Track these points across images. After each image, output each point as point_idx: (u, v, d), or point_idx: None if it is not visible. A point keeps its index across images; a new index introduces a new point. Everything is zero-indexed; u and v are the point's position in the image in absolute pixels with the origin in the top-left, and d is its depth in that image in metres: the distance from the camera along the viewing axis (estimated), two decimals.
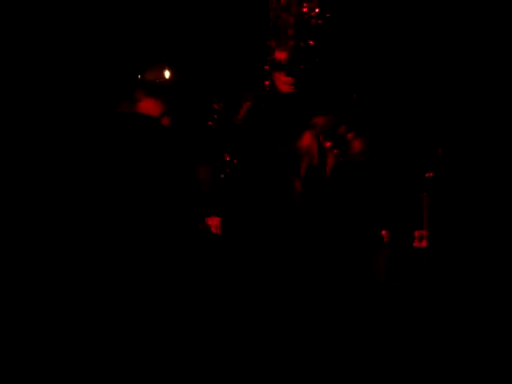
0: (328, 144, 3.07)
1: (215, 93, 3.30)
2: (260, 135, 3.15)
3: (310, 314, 3.19)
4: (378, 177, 3.19)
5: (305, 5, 3.15)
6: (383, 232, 3.30)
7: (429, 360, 3.24)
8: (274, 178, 3.16)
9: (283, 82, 3.16)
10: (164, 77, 4.60)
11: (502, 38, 3.67)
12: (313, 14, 3.13)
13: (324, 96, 3.18)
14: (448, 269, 3.40)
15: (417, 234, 3.36)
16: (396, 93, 3.57)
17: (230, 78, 3.27)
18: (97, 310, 3.48)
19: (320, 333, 3.17)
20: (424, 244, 3.35)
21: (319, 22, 3.18)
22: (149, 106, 3.52)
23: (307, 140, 3.10)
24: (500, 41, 3.69)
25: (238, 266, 3.28)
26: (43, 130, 4.09)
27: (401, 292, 3.33)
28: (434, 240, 3.34)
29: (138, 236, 3.58)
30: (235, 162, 3.23)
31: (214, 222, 3.49)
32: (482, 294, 3.46)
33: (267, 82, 3.15)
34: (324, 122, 3.10)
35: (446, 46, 3.70)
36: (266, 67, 3.12)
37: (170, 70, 4.56)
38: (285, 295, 3.19)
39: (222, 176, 3.30)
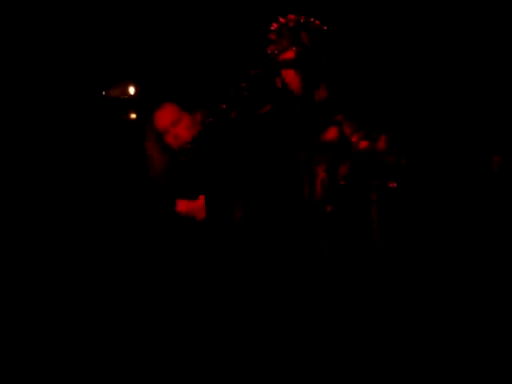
0: (354, 138, 3.11)
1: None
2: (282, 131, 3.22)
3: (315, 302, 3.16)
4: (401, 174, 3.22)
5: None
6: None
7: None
8: (295, 172, 3.19)
9: (292, 79, 3.24)
10: (128, 93, 4.60)
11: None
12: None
13: (339, 93, 3.26)
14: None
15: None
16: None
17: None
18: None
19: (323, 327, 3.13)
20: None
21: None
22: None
23: (332, 134, 3.16)
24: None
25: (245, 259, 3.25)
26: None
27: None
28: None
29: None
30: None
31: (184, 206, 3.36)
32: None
33: (278, 80, 3.23)
34: (350, 122, 3.15)
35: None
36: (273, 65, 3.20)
37: (134, 86, 4.56)
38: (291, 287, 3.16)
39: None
